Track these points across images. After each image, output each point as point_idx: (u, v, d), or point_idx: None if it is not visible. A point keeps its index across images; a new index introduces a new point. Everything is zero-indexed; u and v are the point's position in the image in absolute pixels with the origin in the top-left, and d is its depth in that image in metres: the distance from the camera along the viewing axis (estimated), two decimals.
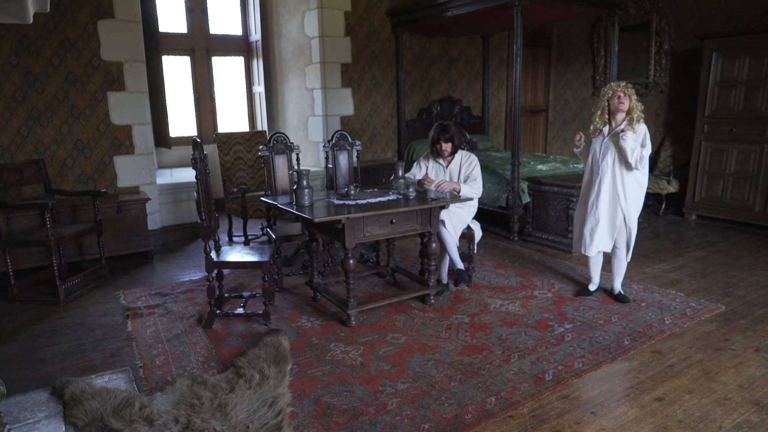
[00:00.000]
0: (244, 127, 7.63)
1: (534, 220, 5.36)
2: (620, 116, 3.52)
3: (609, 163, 3.55)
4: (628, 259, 3.77)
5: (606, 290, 3.93)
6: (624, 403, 2.56)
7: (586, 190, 3.74)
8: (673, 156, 6.62)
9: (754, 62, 5.40)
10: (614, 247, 3.72)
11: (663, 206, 6.43)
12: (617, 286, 3.83)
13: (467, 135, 4.55)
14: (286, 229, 4.34)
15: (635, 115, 3.47)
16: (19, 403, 2.56)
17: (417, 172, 4.10)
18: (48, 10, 2.56)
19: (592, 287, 3.93)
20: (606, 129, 3.58)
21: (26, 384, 2.78)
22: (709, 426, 2.37)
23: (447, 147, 3.93)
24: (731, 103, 5.63)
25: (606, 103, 3.54)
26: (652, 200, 6.67)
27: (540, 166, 5.82)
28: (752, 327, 3.34)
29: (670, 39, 6.67)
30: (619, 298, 3.78)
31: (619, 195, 3.57)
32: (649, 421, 2.41)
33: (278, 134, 4.40)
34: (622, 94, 3.47)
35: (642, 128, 3.49)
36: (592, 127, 3.64)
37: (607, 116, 3.56)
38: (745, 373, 2.80)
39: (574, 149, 3.85)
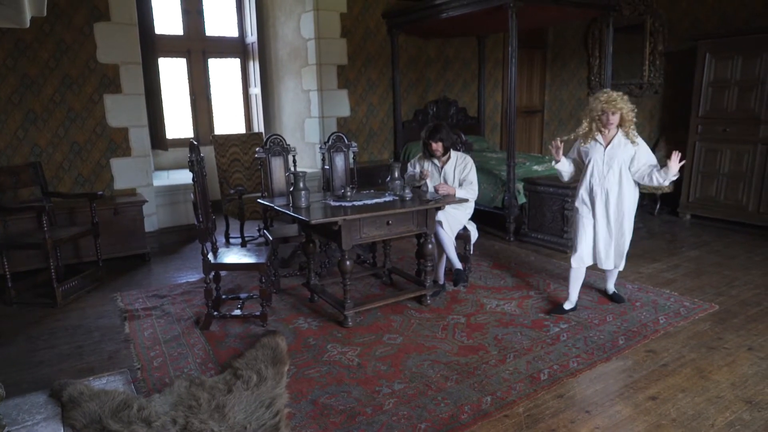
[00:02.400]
0: (240, 128, 7.64)
1: (530, 220, 5.39)
2: (614, 128, 3.44)
3: (615, 174, 3.42)
4: (621, 268, 3.69)
5: (600, 290, 3.95)
6: (618, 401, 2.59)
7: (590, 202, 3.52)
8: (667, 156, 6.58)
9: (747, 63, 5.44)
10: None
11: (658, 206, 6.47)
12: (611, 286, 3.83)
13: (463, 136, 4.57)
14: (283, 231, 4.35)
15: (630, 128, 3.39)
16: (18, 405, 2.57)
17: (413, 172, 4.13)
18: (44, 14, 2.56)
19: (568, 306, 3.65)
20: (600, 137, 3.45)
21: (25, 386, 2.79)
22: (702, 424, 2.39)
23: (438, 147, 3.96)
24: (725, 103, 5.67)
25: (597, 115, 3.39)
26: (646, 200, 6.70)
27: (536, 167, 5.85)
28: (745, 326, 3.37)
29: (664, 40, 6.71)
30: (614, 298, 3.79)
31: (623, 206, 3.48)
32: (642, 420, 2.43)
33: (275, 136, 4.41)
34: (610, 114, 3.34)
35: (641, 142, 3.45)
36: (580, 132, 3.52)
37: (599, 127, 3.44)
38: (737, 372, 2.83)
39: (555, 164, 3.62)
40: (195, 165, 3.35)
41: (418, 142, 6.70)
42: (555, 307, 3.68)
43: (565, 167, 3.65)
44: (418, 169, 4.13)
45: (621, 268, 3.70)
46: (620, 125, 3.42)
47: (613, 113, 3.34)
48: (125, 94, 5.09)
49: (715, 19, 6.19)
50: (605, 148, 3.45)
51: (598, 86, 7.49)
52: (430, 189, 3.99)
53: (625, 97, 3.39)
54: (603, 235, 3.53)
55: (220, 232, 5.31)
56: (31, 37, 4.58)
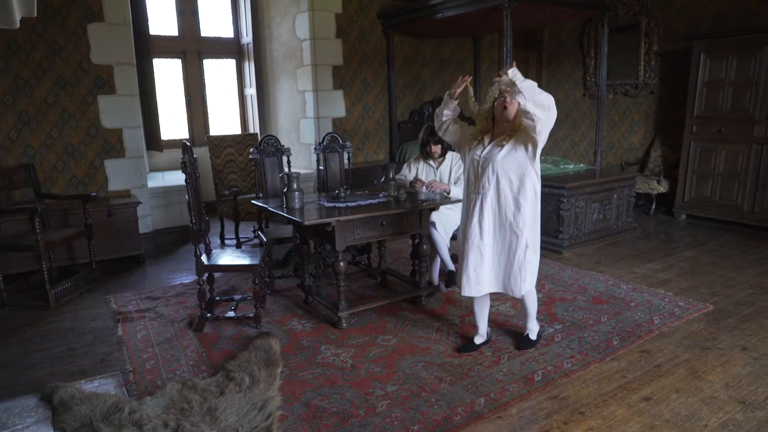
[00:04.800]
0: (235, 129, 7.62)
1: None
2: (506, 124, 2.80)
3: (491, 179, 2.80)
4: (518, 294, 2.92)
5: (594, 291, 3.94)
6: (612, 402, 2.58)
7: (465, 215, 2.98)
8: (662, 156, 6.67)
9: (742, 63, 5.45)
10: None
11: (653, 206, 6.48)
12: (531, 326, 3.16)
13: None
14: (277, 232, 4.34)
15: (513, 130, 2.76)
16: (8, 409, 2.55)
17: (407, 174, 4.12)
18: (35, 14, 2.56)
19: (479, 340, 3.14)
20: (487, 138, 2.88)
21: (16, 389, 2.78)
22: (696, 425, 2.39)
23: (437, 149, 3.96)
24: (720, 103, 5.68)
25: (491, 105, 2.80)
26: (642, 200, 6.71)
27: None
28: (739, 326, 3.37)
29: (659, 40, 6.72)
30: (525, 344, 3.13)
31: (507, 217, 2.82)
32: (636, 421, 2.43)
33: (269, 137, 4.40)
34: (508, 97, 2.67)
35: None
36: (474, 131, 2.93)
37: (491, 122, 2.85)
38: (731, 372, 2.83)
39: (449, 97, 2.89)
40: (188, 166, 3.34)
41: (413, 142, 6.74)
42: (464, 344, 3.16)
43: (449, 109, 2.94)
44: (413, 172, 4.11)
45: (518, 294, 2.92)
46: (515, 123, 2.76)
47: (511, 98, 2.68)
48: (119, 95, 5.07)
49: (710, 19, 6.20)
50: (485, 148, 2.84)
51: (594, 86, 7.50)
52: (424, 189, 3.98)
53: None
54: (486, 251, 2.89)
55: (216, 233, 5.29)
56: (24, 37, 4.56)
